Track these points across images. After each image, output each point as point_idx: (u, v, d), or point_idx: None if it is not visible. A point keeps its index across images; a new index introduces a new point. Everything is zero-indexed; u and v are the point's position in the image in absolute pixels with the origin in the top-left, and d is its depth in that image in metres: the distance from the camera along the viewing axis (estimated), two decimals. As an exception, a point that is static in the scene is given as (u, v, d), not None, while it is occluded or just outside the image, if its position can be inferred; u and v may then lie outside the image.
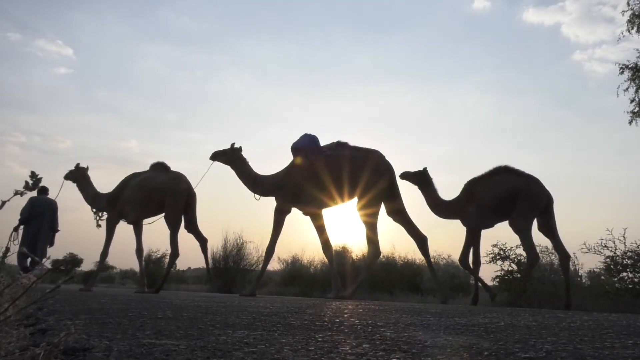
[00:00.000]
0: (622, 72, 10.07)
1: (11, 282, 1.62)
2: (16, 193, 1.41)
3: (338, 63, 40.06)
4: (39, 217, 8.51)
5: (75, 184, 8.94)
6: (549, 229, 6.84)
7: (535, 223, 6.84)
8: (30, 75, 39.80)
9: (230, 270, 12.99)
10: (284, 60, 40.57)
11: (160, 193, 8.16)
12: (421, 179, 7.52)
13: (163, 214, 8.31)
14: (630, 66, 9.99)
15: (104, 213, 8.63)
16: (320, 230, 7.65)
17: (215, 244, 14.30)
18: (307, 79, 41.96)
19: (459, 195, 7.37)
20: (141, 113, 41.35)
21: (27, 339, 1.47)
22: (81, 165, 9.03)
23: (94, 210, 8.69)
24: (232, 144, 7.94)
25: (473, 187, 7.26)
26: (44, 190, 8.74)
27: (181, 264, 22.24)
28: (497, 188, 6.97)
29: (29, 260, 8.31)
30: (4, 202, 1.41)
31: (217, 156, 7.92)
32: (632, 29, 10.04)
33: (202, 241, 8.53)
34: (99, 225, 8.53)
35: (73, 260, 25.90)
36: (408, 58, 39.21)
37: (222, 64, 41.66)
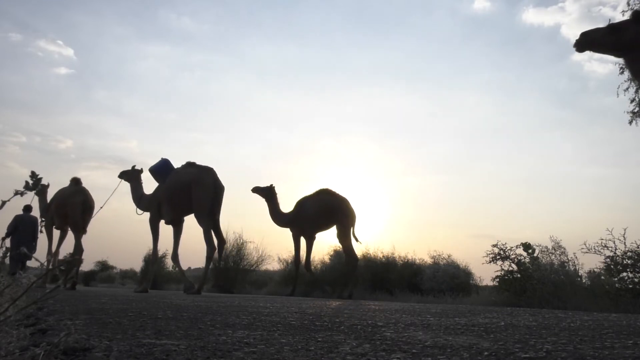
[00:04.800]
0: (622, 72, 10.04)
1: (11, 282, 1.62)
2: (16, 193, 1.41)
3: (338, 63, 39.98)
4: (23, 230, 10.04)
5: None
6: (344, 237, 8.96)
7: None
8: (31, 76, 39.80)
9: (230, 270, 12.98)
10: (284, 61, 40.49)
11: (64, 205, 9.87)
12: (268, 193, 9.40)
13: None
14: (630, 66, 9.97)
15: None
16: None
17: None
18: (307, 80, 41.90)
19: (292, 210, 9.30)
20: (141, 113, 41.30)
21: (27, 339, 1.47)
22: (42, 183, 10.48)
23: (42, 219, 10.53)
24: (133, 166, 9.79)
25: (302, 204, 9.17)
26: (27, 209, 10.26)
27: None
28: (320, 205, 8.92)
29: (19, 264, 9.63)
30: (4, 202, 1.41)
31: (122, 175, 9.81)
32: (632, 29, 10.02)
33: (78, 252, 9.80)
34: (41, 231, 10.30)
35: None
36: (408, 58, 39.14)
37: (222, 64, 41.59)
